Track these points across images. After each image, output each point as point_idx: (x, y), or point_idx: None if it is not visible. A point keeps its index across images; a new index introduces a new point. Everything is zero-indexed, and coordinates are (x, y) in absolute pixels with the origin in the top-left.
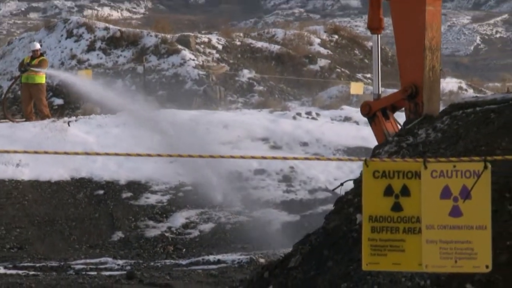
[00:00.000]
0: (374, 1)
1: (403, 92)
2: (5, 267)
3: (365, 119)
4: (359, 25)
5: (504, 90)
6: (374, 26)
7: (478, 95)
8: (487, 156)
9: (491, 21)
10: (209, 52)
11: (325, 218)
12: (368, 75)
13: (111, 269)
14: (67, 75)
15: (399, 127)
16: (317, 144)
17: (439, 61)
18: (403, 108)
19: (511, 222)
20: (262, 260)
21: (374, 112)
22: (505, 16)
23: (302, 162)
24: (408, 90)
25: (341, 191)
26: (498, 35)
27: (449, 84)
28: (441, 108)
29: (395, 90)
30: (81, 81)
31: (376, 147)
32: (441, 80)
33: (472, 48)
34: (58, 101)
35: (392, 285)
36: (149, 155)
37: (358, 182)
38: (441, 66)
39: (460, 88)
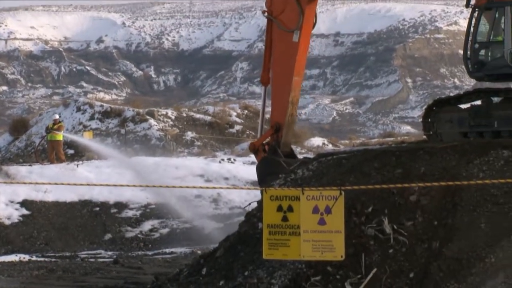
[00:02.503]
0: (265, 66)
1: (271, 128)
2: (36, 256)
3: None
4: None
5: (351, 145)
6: (264, 81)
7: (334, 148)
8: (341, 186)
9: (343, 102)
10: (166, 121)
11: (239, 226)
12: None
13: (103, 257)
14: (76, 137)
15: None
16: (234, 179)
17: (296, 111)
18: None
19: (355, 228)
20: (199, 252)
21: (257, 148)
22: (351, 99)
23: (225, 190)
24: (274, 127)
25: (249, 208)
26: (347, 111)
27: (316, 141)
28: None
29: None
30: (84, 141)
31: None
32: (311, 138)
33: (331, 119)
34: (71, 151)
35: (281, 267)
36: (127, 185)
37: (260, 202)
38: (296, 113)
39: (323, 143)
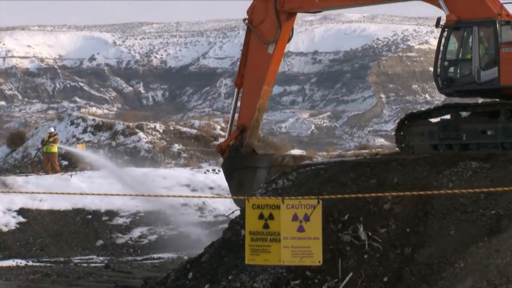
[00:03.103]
0: (240, 70)
1: (236, 130)
2: (32, 261)
3: None
4: None
5: (328, 157)
6: (237, 85)
7: (313, 160)
8: (319, 196)
9: (321, 116)
10: (154, 134)
11: (223, 232)
12: None
13: (95, 262)
14: (72, 148)
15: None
16: (219, 188)
17: (262, 116)
18: None
19: (332, 235)
20: (185, 257)
21: (224, 149)
22: (329, 113)
23: (210, 199)
24: (239, 128)
25: (233, 216)
26: (324, 124)
27: (296, 153)
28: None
29: None
30: (78, 151)
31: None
32: (291, 150)
33: (309, 132)
34: (65, 163)
35: (263, 271)
36: (118, 194)
37: (242, 211)
38: (261, 119)
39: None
